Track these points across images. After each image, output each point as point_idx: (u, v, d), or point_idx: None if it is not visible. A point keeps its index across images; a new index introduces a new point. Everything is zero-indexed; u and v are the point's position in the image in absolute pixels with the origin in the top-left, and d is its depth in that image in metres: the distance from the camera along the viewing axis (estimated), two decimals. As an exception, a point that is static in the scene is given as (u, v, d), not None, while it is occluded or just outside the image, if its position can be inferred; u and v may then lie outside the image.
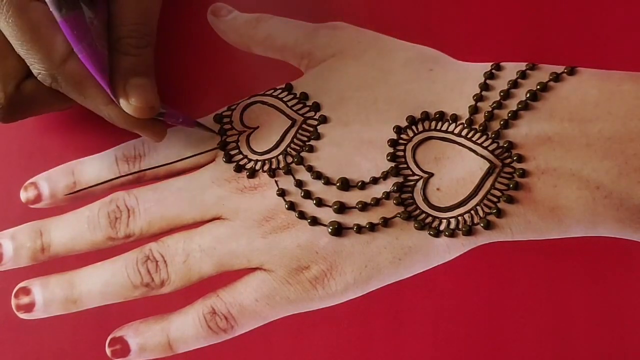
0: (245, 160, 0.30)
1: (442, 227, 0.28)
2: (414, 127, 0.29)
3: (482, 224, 0.27)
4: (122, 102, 0.26)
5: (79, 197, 0.31)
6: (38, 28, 0.25)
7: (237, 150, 0.30)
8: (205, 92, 0.32)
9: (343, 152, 0.29)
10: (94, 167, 0.31)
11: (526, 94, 0.28)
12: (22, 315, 0.29)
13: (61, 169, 0.31)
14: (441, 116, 0.29)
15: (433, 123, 0.29)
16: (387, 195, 0.28)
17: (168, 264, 0.29)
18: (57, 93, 0.27)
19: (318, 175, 0.29)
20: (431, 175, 0.28)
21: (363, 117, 0.30)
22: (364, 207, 0.28)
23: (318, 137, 0.30)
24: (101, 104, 0.27)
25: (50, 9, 0.24)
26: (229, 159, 0.30)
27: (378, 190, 0.28)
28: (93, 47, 0.25)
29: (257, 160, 0.30)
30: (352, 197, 0.29)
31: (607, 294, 0.27)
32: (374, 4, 0.32)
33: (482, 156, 0.28)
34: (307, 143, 0.30)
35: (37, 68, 0.26)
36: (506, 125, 0.28)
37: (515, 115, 0.28)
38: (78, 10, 0.25)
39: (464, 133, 0.29)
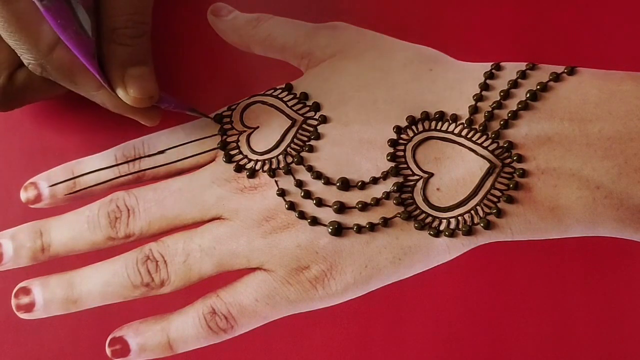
0: (245, 160, 0.30)
1: (442, 227, 0.28)
2: (414, 127, 0.29)
3: (482, 224, 0.27)
4: (121, 93, 0.26)
5: (78, 197, 0.31)
6: (24, 18, 0.25)
7: (237, 150, 0.30)
8: (205, 92, 0.32)
9: (343, 152, 0.29)
10: (93, 167, 0.31)
11: (526, 94, 0.28)
12: (22, 315, 0.29)
13: (61, 169, 0.31)
14: (441, 116, 0.29)
15: (433, 123, 0.29)
16: (387, 195, 0.28)
17: (168, 264, 0.29)
18: (50, 81, 0.27)
19: (318, 175, 0.29)
20: (431, 175, 0.28)
21: (363, 117, 0.30)
22: (364, 207, 0.28)
23: (318, 137, 0.30)
24: (92, 90, 0.27)
25: None
26: (229, 159, 0.30)
27: (378, 190, 0.28)
28: (79, 35, 0.25)
29: (257, 160, 0.30)
30: (352, 197, 0.29)
31: (607, 294, 0.27)
32: (374, 4, 0.32)
33: (482, 156, 0.28)
34: (307, 143, 0.30)
35: (26, 58, 0.26)
36: (506, 125, 0.28)
37: (515, 115, 0.28)
38: None
39: (464, 133, 0.29)
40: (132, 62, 0.27)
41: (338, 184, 0.29)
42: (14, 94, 0.28)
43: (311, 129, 0.30)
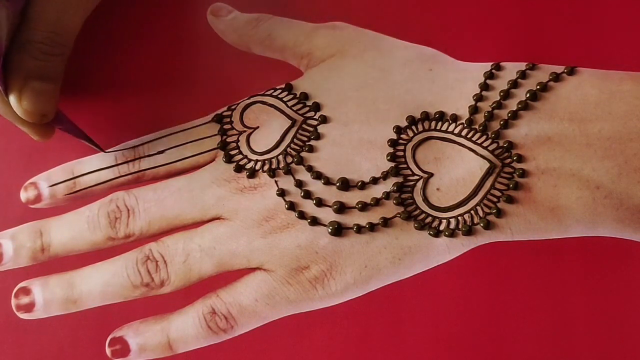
0: (245, 160, 0.30)
1: (442, 227, 0.28)
2: (414, 127, 0.29)
3: (482, 224, 0.27)
4: (13, 101, 0.26)
5: (78, 197, 0.31)
6: None
7: (237, 151, 0.30)
8: (205, 92, 0.32)
9: (343, 152, 0.29)
10: (93, 167, 0.31)
11: (526, 94, 0.28)
12: (22, 315, 0.29)
13: (61, 169, 0.31)
14: (441, 116, 0.29)
15: (433, 123, 0.29)
16: (387, 195, 0.28)
17: (168, 264, 0.29)
18: None
19: (318, 175, 0.29)
20: (431, 175, 0.28)
21: (363, 117, 0.30)
22: (363, 207, 0.28)
23: (318, 137, 0.30)
24: None
25: None
26: (229, 159, 0.30)
27: (378, 190, 0.28)
28: None
29: (257, 160, 0.30)
30: (352, 197, 0.29)
31: (607, 294, 0.27)
32: (374, 4, 0.32)
33: (482, 156, 0.28)
34: (307, 143, 0.30)
35: None
36: (506, 125, 0.28)
37: (515, 115, 0.28)
38: None
39: (464, 133, 0.29)
40: (37, 76, 0.27)
41: (338, 184, 0.29)
42: None
43: (311, 129, 0.30)
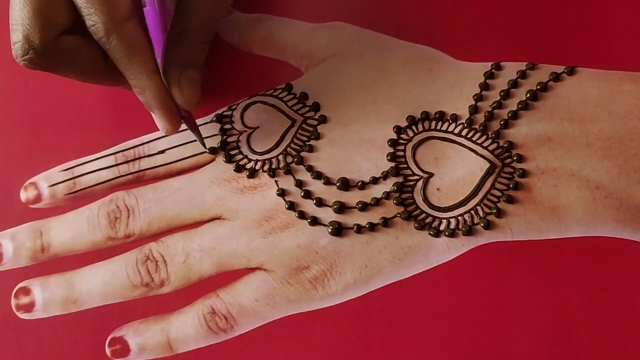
0: (246, 160, 0.30)
1: (442, 227, 0.28)
2: (414, 127, 0.29)
3: (482, 224, 0.27)
4: (175, 91, 0.27)
5: (79, 197, 0.31)
6: None
7: (237, 150, 0.30)
8: (206, 92, 0.32)
9: (343, 152, 0.29)
10: (93, 167, 0.31)
11: (526, 94, 0.28)
12: (22, 315, 0.29)
13: (61, 169, 0.31)
14: (441, 116, 0.29)
15: (433, 123, 0.29)
16: (387, 195, 0.28)
17: (168, 263, 0.29)
18: (91, 60, 0.26)
19: (318, 175, 0.29)
20: (431, 175, 0.28)
21: (363, 117, 0.30)
22: (364, 207, 0.28)
23: (318, 137, 0.30)
24: (145, 72, 0.26)
25: None
26: (229, 159, 0.30)
27: (378, 190, 0.28)
28: (164, 6, 0.25)
29: (257, 160, 0.30)
30: (352, 197, 0.29)
31: (607, 294, 0.27)
32: (374, 4, 0.32)
33: (482, 156, 0.28)
34: (307, 143, 0.30)
35: (93, 20, 0.25)
36: (506, 125, 0.28)
37: (515, 115, 0.28)
38: None
39: (464, 133, 0.29)
40: (191, 65, 0.27)
41: (338, 184, 0.29)
42: (53, 55, 0.25)
43: (311, 128, 0.30)
